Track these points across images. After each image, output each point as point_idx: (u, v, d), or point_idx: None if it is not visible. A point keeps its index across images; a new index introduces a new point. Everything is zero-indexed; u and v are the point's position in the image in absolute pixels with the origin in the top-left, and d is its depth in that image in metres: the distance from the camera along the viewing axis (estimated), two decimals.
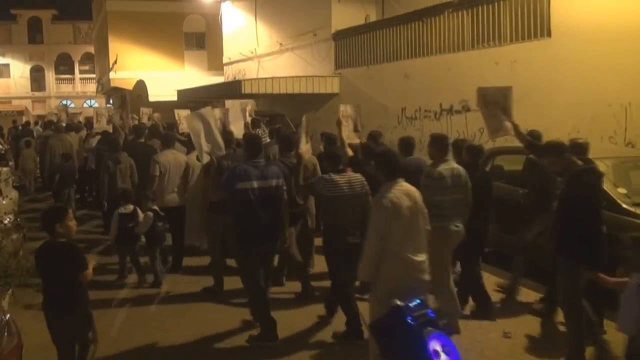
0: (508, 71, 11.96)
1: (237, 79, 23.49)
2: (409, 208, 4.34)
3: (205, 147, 6.30)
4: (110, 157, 8.32)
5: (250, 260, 5.51)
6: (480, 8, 12.80)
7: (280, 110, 19.43)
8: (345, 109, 8.32)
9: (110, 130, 11.40)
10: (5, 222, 6.99)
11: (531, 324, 6.06)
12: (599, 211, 4.87)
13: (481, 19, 12.77)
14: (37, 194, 14.73)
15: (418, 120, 14.60)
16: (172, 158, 7.65)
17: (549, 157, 5.07)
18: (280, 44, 21.23)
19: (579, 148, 5.26)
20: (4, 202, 8.50)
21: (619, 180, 6.91)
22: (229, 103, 25.94)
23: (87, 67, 47.82)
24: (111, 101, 40.34)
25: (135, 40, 31.57)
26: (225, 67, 27.18)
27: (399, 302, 3.93)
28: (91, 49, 44.81)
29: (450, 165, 5.76)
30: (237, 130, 9.30)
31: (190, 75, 30.19)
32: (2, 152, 17.34)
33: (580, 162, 4.93)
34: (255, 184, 5.39)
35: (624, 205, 6.37)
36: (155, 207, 7.19)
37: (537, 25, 11.36)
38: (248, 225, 5.41)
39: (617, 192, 6.55)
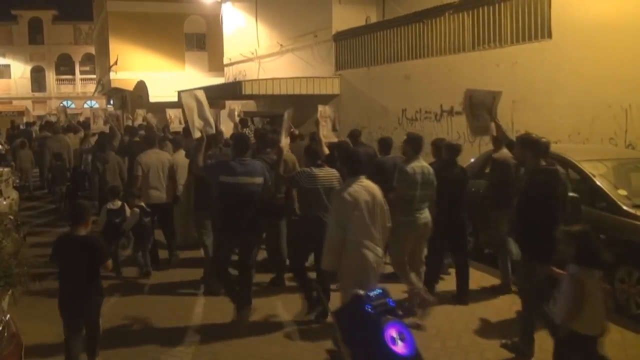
0: (509, 72, 11.96)
1: (237, 79, 23.49)
2: (367, 202, 4.73)
3: (197, 123, 6.62)
4: (98, 158, 8.62)
5: (225, 249, 5.96)
6: (480, 9, 12.80)
7: (281, 111, 19.43)
8: (324, 110, 8.88)
9: (107, 131, 11.65)
10: (6, 222, 6.99)
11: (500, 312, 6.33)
12: (554, 210, 5.01)
13: (482, 21, 12.77)
14: (33, 192, 14.93)
15: (419, 122, 14.60)
16: (155, 157, 7.93)
17: (526, 152, 5.28)
18: (281, 45, 21.23)
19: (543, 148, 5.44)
20: (4, 202, 8.50)
21: (619, 182, 6.91)
22: (229, 104, 25.99)
23: (87, 68, 47.82)
24: (111, 102, 40.35)
25: (136, 41, 31.58)
26: (225, 68, 27.17)
27: (359, 292, 4.15)
28: (92, 50, 44.81)
29: (421, 164, 6.26)
30: (227, 129, 9.65)
31: (191, 76, 30.18)
32: (3, 152, 17.37)
33: (543, 163, 5.21)
34: (239, 180, 5.68)
35: (625, 207, 6.37)
36: (142, 204, 7.45)
37: (538, 27, 11.36)
38: (230, 217, 5.74)
39: (617, 194, 6.55)
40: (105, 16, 33.45)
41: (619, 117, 9.72)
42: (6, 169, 9.95)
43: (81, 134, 13.81)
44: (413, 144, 6.36)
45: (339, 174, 6.06)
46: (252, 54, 23.78)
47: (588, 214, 6.33)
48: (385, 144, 7.33)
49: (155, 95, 26.01)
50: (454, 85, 13.29)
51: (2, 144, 18.01)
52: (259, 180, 5.84)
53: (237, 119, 11.91)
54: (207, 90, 25.01)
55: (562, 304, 4.17)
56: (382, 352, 3.84)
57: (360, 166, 4.95)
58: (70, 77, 48.31)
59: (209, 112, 6.78)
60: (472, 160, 9.05)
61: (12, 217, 7.58)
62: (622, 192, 6.61)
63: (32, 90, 47.26)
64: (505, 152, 6.59)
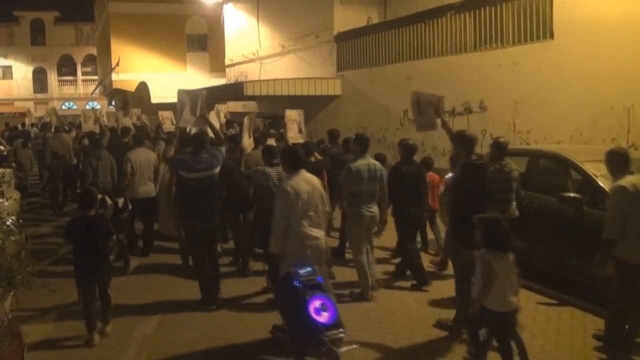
0: (510, 73, 11.95)
1: (239, 80, 23.51)
2: (307, 192, 5.28)
3: (187, 116, 7.46)
4: (93, 155, 9.18)
5: (191, 235, 6.60)
6: (482, 10, 12.80)
7: (283, 112, 19.43)
8: (291, 114, 9.67)
9: (97, 131, 12.10)
10: (8, 223, 6.98)
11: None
12: (479, 200, 5.43)
13: (483, 21, 12.77)
14: (29, 189, 15.16)
15: None
16: (143, 155, 8.63)
17: (460, 147, 5.82)
18: (283, 45, 21.25)
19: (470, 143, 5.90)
20: (6, 203, 8.50)
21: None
22: (231, 105, 25.98)
23: (89, 69, 47.85)
24: (113, 103, 40.36)
25: (138, 42, 31.62)
26: (227, 69, 27.20)
27: (291, 269, 4.86)
28: (93, 51, 44.87)
29: (367, 161, 6.71)
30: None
31: (193, 77, 30.22)
32: (4, 153, 17.41)
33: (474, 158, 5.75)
34: (196, 175, 6.37)
35: None
36: (121, 199, 7.87)
37: (540, 27, 11.35)
38: (191, 205, 6.46)
39: None
40: (106, 17, 33.49)
41: (622, 118, 9.71)
42: (7, 170, 9.94)
43: (72, 134, 14.55)
44: (360, 144, 6.87)
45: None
46: (254, 54, 23.80)
47: (590, 214, 6.32)
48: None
49: (157, 96, 26.01)
50: (456, 85, 13.28)
51: (4, 145, 18.04)
52: (216, 171, 6.50)
53: (223, 120, 12.59)
54: (209, 91, 25.02)
55: (476, 282, 4.66)
56: (307, 320, 4.56)
57: (299, 162, 5.49)
58: (72, 78, 48.32)
59: (200, 111, 7.40)
60: None
61: (14, 218, 7.58)
62: None
63: (34, 92, 47.26)
64: None
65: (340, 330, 4.64)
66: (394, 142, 15.05)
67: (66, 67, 48.30)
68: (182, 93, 7.76)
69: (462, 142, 5.78)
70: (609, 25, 9.97)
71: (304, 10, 19.68)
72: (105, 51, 35.08)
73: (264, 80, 19.10)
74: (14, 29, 47.00)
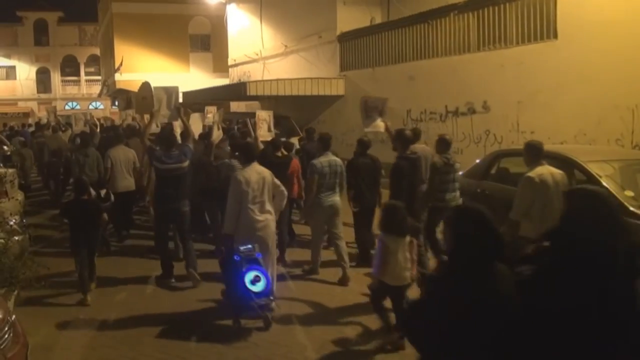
0: (514, 73, 11.94)
1: (242, 80, 23.52)
2: (257, 182, 6.09)
3: (163, 111, 8.48)
4: (81, 152, 9.95)
5: (161, 217, 7.51)
6: (486, 10, 12.78)
7: (285, 112, 19.43)
8: (261, 114, 10.82)
9: (88, 131, 12.82)
10: (11, 223, 6.99)
11: None
12: (409, 187, 6.72)
13: (487, 21, 12.75)
14: (31, 186, 15.58)
15: (423, 123, 14.58)
16: (122, 152, 9.50)
17: (397, 142, 7.13)
18: (285, 45, 21.26)
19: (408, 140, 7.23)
20: (10, 203, 8.51)
21: (626, 183, 6.86)
22: (234, 105, 26.01)
23: (92, 69, 47.90)
24: (117, 103, 40.41)
25: (141, 43, 31.64)
26: (230, 69, 27.22)
27: (234, 246, 5.84)
28: (97, 51, 44.93)
29: (329, 158, 7.55)
30: (196, 129, 11.50)
31: (196, 77, 30.25)
32: (8, 153, 17.47)
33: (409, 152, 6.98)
34: (167, 166, 7.29)
35: (631, 208, 6.31)
36: (103, 191, 8.67)
37: (544, 27, 11.34)
38: (162, 192, 7.37)
39: (624, 194, 6.50)
40: (110, 17, 33.54)
41: (626, 118, 9.69)
42: (11, 170, 9.95)
43: (69, 132, 15.43)
44: (323, 142, 7.83)
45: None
46: (257, 55, 23.81)
47: None
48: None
49: None
50: (459, 86, 13.28)
51: (7, 145, 18.13)
52: (184, 165, 7.39)
53: (211, 120, 13.23)
54: (212, 91, 25.11)
55: (375, 261, 5.32)
56: (242, 289, 5.55)
57: (251, 156, 6.35)
58: (75, 78, 48.36)
59: (175, 104, 8.45)
60: (478, 161, 9.02)
61: (17, 218, 7.59)
62: (629, 193, 6.56)
63: (38, 92, 47.31)
64: (419, 147, 8.18)
65: (270, 298, 5.68)
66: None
67: (69, 67, 48.35)
68: (158, 90, 8.67)
69: (399, 138, 7.17)
70: (613, 25, 9.95)
71: (307, 10, 19.68)
72: (109, 51, 35.13)
73: (266, 81, 19.11)
74: (17, 29, 47.08)
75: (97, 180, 9.25)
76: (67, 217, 7.08)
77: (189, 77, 30.35)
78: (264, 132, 10.43)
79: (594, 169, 6.69)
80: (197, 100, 23.86)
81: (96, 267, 7.12)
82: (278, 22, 22.29)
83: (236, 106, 25.72)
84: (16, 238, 6.83)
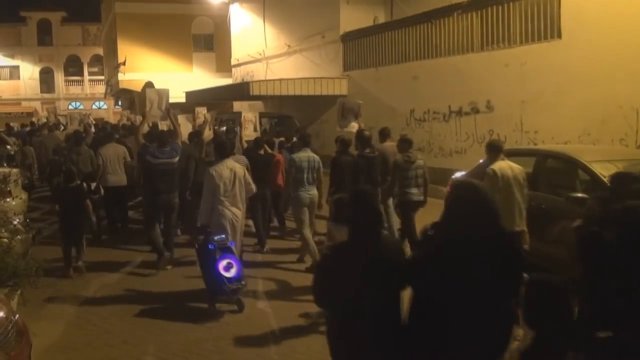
0: (518, 73, 11.91)
1: (245, 80, 23.53)
2: (229, 177, 6.79)
3: (155, 112, 9.09)
4: (74, 151, 10.62)
5: (152, 208, 8.20)
6: (489, 9, 12.75)
7: (289, 112, 19.43)
8: (247, 115, 11.83)
9: (82, 130, 13.63)
10: (15, 222, 7.01)
11: None
12: (368, 182, 7.52)
13: (491, 21, 12.72)
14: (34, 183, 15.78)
15: (427, 122, 14.56)
16: (112, 150, 10.13)
17: (357, 141, 8.26)
18: (289, 45, 21.25)
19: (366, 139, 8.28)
20: (14, 202, 8.53)
21: None
22: (237, 105, 26.02)
23: (96, 69, 47.94)
24: (120, 103, 40.44)
25: (144, 42, 31.64)
26: (233, 69, 27.23)
27: (209, 236, 6.42)
28: (100, 51, 44.96)
29: (308, 154, 8.16)
30: (185, 131, 12.31)
31: (199, 77, 30.25)
32: (12, 153, 17.54)
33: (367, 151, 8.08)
34: (158, 161, 7.98)
35: None
36: (93, 184, 9.49)
37: (548, 27, 11.30)
38: (153, 185, 8.00)
39: None
40: (113, 17, 33.57)
41: (630, 118, 9.66)
42: (15, 169, 9.98)
43: (66, 131, 16.27)
44: (302, 138, 8.73)
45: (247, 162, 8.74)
46: (260, 54, 23.82)
47: None
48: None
49: None
50: (463, 85, 13.25)
51: (11, 145, 18.23)
52: (175, 160, 8.13)
53: (202, 120, 14.45)
54: (215, 91, 25.12)
55: (323, 249, 5.63)
56: (216, 274, 6.09)
57: (225, 152, 7.06)
58: (78, 78, 48.40)
59: (165, 106, 9.08)
60: (481, 161, 8.99)
61: (21, 217, 7.61)
62: None
63: (41, 92, 47.38)
64: (387, 145, 8.93)
65: (242, 282, 6.21)
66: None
67: (73, 67, 48.41)
68: (151, 92, 9.38)
69: (358, 138, 8.31)
70: (618, 24, 9.91)
71: (310, 10, 19.67)
72: (112, 51, 35.17)
73: (270, 80, 19.12)
74: (21, 29, 47.16)
75: (89, 175, 9.86)
76: (57, 202, 8.09)
77: (192, 76, 30.36)
78: (250, 131, 11.42)
79: (598, 169, 6.66)
80: (200, 100, 23.89)
81: (84, 249, 7.92)
82: (281, 21, 22.28)
83: (239, 106, 25.74)
84: (19, 237, 6.85)
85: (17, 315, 4.41)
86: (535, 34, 11.60)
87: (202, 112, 14.64)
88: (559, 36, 11.06)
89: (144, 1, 31.92)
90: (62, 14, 47.60)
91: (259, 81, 19.48)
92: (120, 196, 10.22)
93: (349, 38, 17.84)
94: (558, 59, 10.96)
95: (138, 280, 7.58)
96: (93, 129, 15.47)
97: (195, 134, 10.55)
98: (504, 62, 12.25)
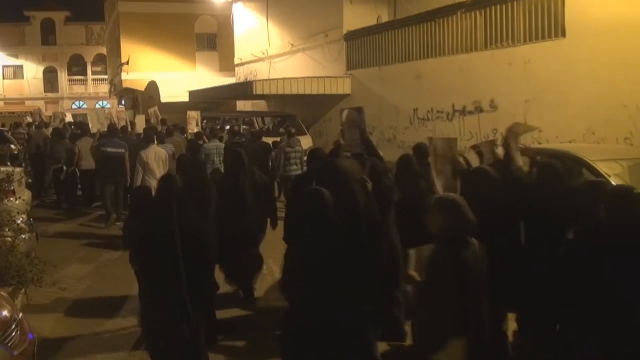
0: (522, 72, 11.88)
1: (248, 80, 23.51)
2: (154, 158, 9.83)
3: (98, 125, 13.78)
4: (59, 143, 13.44)
5: (106, 188, 10.97)
6: (493, 8, 12.72)
7: (292, 111, 19.42)
8: (191, 114, 14.52)
9: (61, 127, 17.21)
10: (19, 222, 7.01)
11: None
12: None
13: (494, 19, 12.69)
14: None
15: (430, 122, 14.53)
16: (85, 143, 12.84)
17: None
18: (292, 44, 21.23)
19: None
20: (17, 202, 8.54)
21: (635, 182, 6.80)
22: (240, 104, 26.01)
23: (99, 69, 48.03)
24: (123, 102, 40.51)
25: (148, 42, 31.66)
26: (236, 68, 27.21)
27: None
28: (104, 51, 45.04)
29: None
30: (140, 124, 15.65)
31: (202, 76, 30.23)
32: (16, 152, 17.61)
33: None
34: (110, 150, 10.92)
35: None
36: (70, 168, 12.75)
37: (552, 26, 11.27)
38: (106, 168, 10.88)
39: None
40: (116, 17, 33.60)
41: (635, 117, 9.62)
42: (18, 169, 10.00)
43: (50, 129, 18.45)
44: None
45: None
46: (263, 54, 23.79)
47: None
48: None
49: (167, 95, 26.07)
50: (466, 85, 13.22)
51: (15, 145, 18.36)
52: (122, 150, 10.94)
53: (154, 116, 17.32)
54: (219, 90, 25.05)
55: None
56: None
57: (150, 140, 10.32)
58: (82, 77, 48.51)
59: (105, 121, 13.12)
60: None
61: (25, 217, 7.62)
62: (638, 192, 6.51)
63: (45, 91, 47.51)
64: None
65: None
66: (404, 141, 15.01)
67: (77, 66, 48.50)
68: (91, 113, 13.74)
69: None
70: (622, 23, 9.88)
71: (314, 9, 19.65)
72: (116, 51, 35.21)
73: (273, 80, 19.09)
74: (25, 28, 47.27)
75: (67, 161, 12.81)
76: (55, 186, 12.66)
77: (195, 76, 30.35)
78: (193, 127, 14.86)
79: (603, 168, 6.63)
80: (204, 99, 23.89)
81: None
82: (284, 21, 22.26)
83: (242, 105, 25.73)
84: (23, 237, 6.85)
85: (22, 314, 4.41)
86: (539, 33, 11.57)
87: (152, 112, 17.75)
88: (564, 35, 11.02)
89: (148, 1, 31.95)
90: (66, 14, 47.71)
91: (262, 80, 19.45)
92: (88, 179, 12.86)
93: (352, 37, 17.81)
94: (562, 57, 10.93)
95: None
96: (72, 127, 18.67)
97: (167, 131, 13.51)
98: (508, 61, 12.21)
